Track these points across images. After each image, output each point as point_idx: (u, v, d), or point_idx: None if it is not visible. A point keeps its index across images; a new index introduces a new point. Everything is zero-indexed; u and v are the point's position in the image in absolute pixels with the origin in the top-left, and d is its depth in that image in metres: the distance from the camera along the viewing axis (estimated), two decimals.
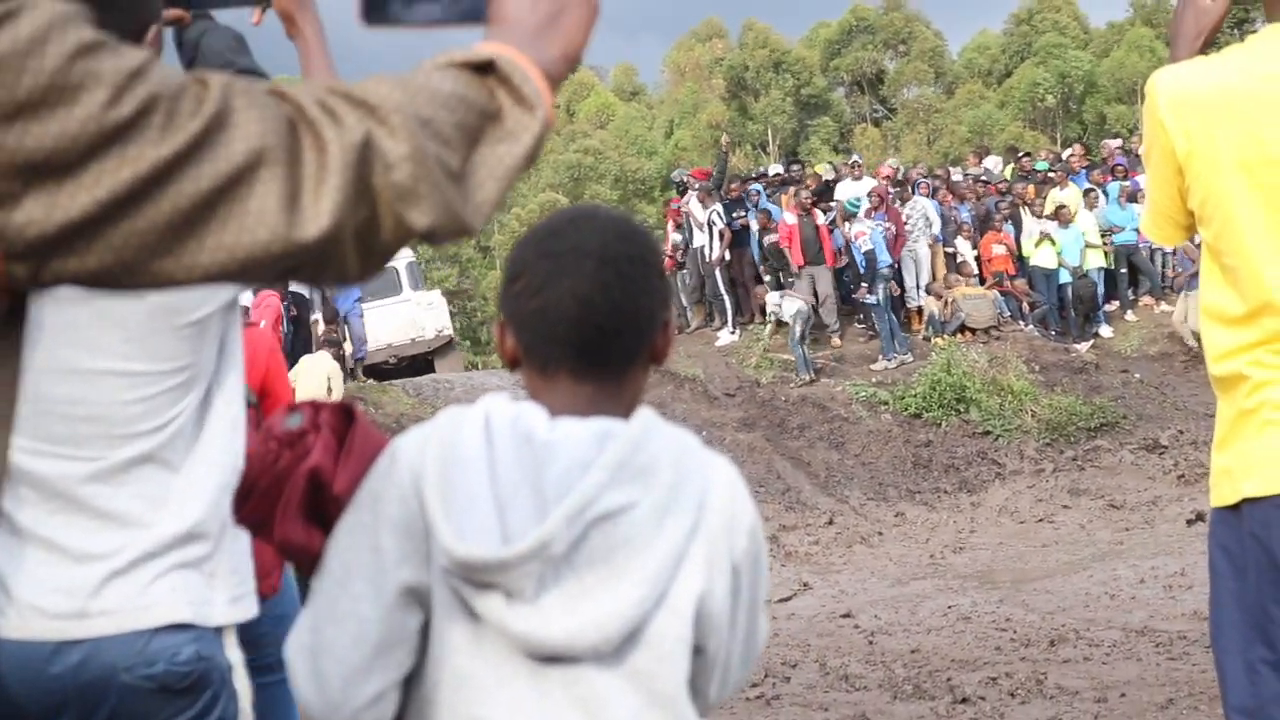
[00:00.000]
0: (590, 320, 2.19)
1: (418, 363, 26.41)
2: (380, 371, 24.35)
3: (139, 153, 1.40)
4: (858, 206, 23.25)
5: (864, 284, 23.07)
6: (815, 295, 22.75)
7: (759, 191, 24.98)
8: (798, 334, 22.01)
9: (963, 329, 23.04)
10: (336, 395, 18.50)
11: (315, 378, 18.01)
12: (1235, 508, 3.13)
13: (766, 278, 23.95)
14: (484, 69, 1.69)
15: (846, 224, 23.33)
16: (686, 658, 2.14)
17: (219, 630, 2.95)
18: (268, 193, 1.46)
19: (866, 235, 22.79)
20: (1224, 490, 3.17)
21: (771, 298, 22.88)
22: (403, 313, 26.59)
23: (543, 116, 1.70)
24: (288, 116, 1.51)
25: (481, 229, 1.69)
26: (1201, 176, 3.12)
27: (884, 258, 22.68)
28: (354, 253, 1.56)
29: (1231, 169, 3.07)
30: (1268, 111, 3.06)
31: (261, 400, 5.12)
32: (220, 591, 2.96)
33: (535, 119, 1.69)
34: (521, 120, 1.69)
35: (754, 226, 23.95)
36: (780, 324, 22.77)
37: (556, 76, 1.79)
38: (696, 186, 24.92)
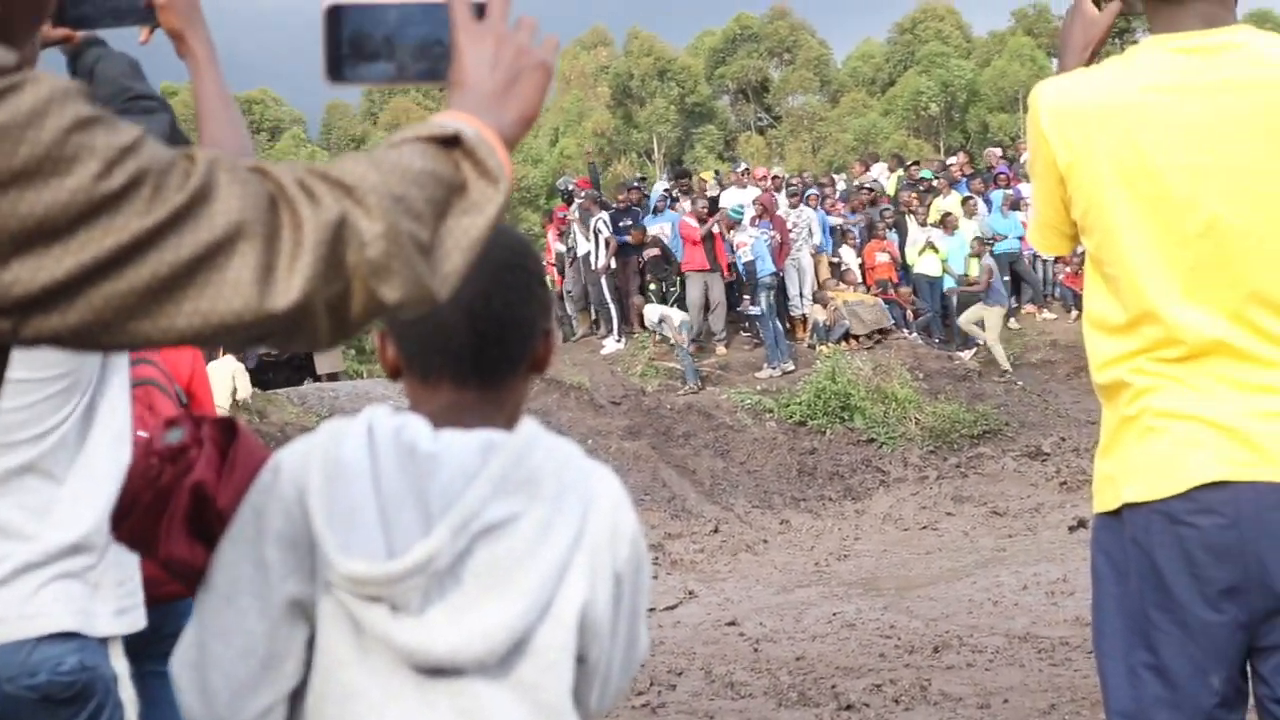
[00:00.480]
0: (471, 328, 2.20)
1: (297, 358, 26.41)
2: (262, 365, 24.27)
3: (125, 222, 1.48)
4: (741, 214, 23.27)
5: (745, 296, 23.16)
6: (707, 302, 22.79)
7: (638, 210, 24.93)
8: (686, 342, 22.06)
9: (847, 337, 23.18)
10: (242, 394, 18.72)
11: (221, 379, 18.17)
12: (1117, 513, 3.16)
13: (653, 286, 23.95)
14: (450, 142, 1.77)
15: (730, 232, 23.37)
16: (571, 667, 2.15)
17: (104, 641, 2.92)
18: (244, 264, 1.54)
19: (748, 245, 22.84)
20: (1106, 496, 3.20)
21: (650, 313, 22.89)
22: None
23: (505, 188, 1.78)
24: (269, 193, 1.59)
25: (446, 299, 1.75)
26: (1083, 187, 3.14)
27: (767, 267, 22.73)
28: (326, 323, 1.63)
29: (1112, 180, 3.10)
30: (1146, 123, 3.08)
31: (190, 402, 5.05)
32: (106, 604, 2.95)
33: (498, 190, 1.77)
34: (485, 192, 1.77)
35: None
36: (663, 337, 22.78)
37: (514, 140, 1.90)
38: (582, 195, 24.94)
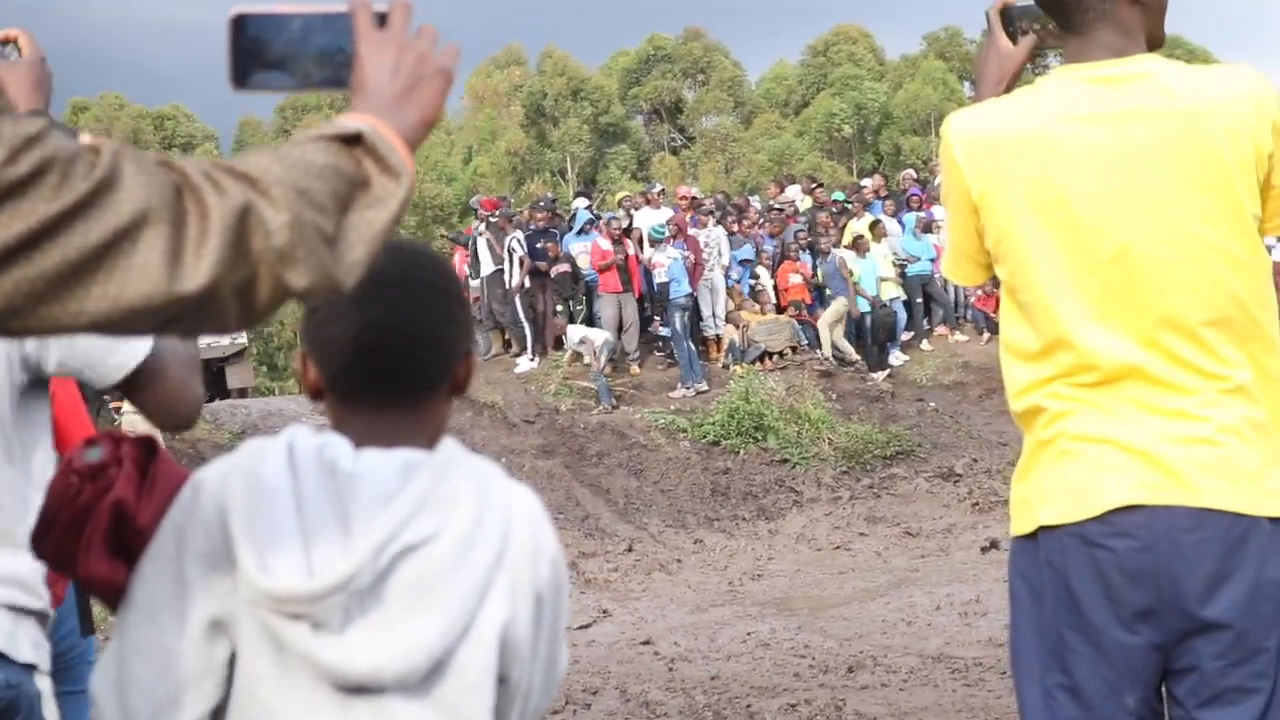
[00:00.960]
0: (390, 347, 2.22)
1: (211, 367, 26.32)
2: None
3: (32, 208, 1.53)
4: (663, 233, 23.28)
5: (657, 317, 23.20)
6: (620, 321, 22.79)
7: (554, 232, 24.88)
8: (601, 364, 22.06)
9: (763, 357, 23.25)
10: None
11: None
12: (1033, 536, 3.18)
13: (559, 308, 23.94)
14: (352, 140, 1.85)
15: (650, 250, 23.39)
16: (492, 688, 2.17)
17: (27, 665, 2.89)
18: (152, 249, 1.59)
19: (665, 266, 22.86)
20: (1022, 519, 3.22)
21: (572, 333, 22.86)
22: None
23: (407, 183, 1.85)
24: (174, 182, 1.64)
25: (351, 288, 1.82)
26: (996, 216, 3.18)
27: (682, 288, 22.75)
28: (234, 308, 1.69)
29: (1024, 208, 3.13)
30: (1056, 152, 3.12)
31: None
32: (29, 633, 2.91)
33: (400, 185, 1.85)
34: (388, 187, 1.84)
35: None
36: (579, 355, 22.76)
37: (415, 141, 1.96)
38: (486, 216, 24.97)
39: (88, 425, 4.51)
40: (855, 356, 23.35)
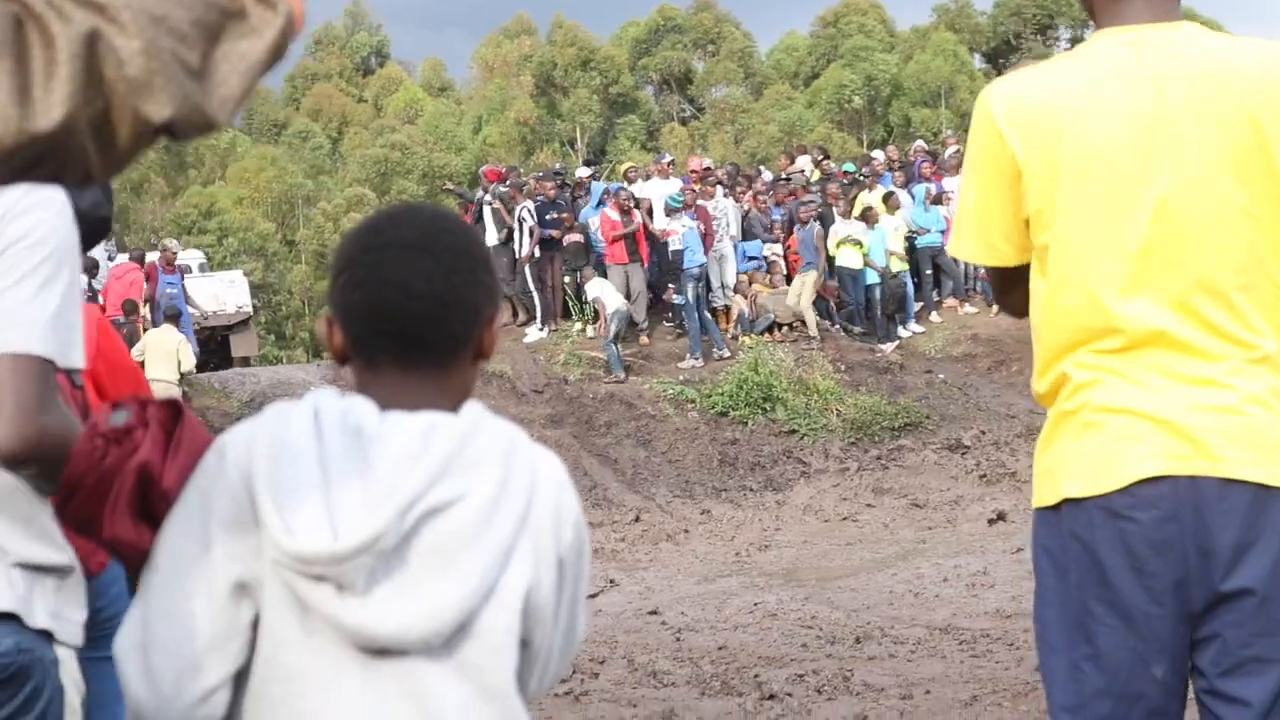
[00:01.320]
0: (414, 310, 2.21)
1: (216, 336, 26.53)
2: None
3: None
4: (680, 202, 23.22)
5: (671, 285, 23.16)
6: (628, 292, 22.76)
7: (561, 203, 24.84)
8: (613, 332, 22.02)
9: (772, 328, 23.23)
10: (186, 367, 18.64)
11: (165, 353, 18.10)
12: (1056, 508, 3.16)
13: (565, 278, 23.89)
14: None
15: (667, 219, 23.38)
16: (515, 651, 2.17)
17: (42, 632, 2.87)
18: None
19: (678, 234, 22.82)
20: (1045, 491, 3.20)
21: (592, 287, 22.78)
22: (205, 287, 27.59)
23: (286, 12, 1.75)
24: (13, 14, 1.55)
25: (228, 123, 1.75)
26: (1040, 181, 3.15)
27: (696, 258, 22.70)
28: (93, 147, 1.60)
29: (1068, 170, 3.12)
30: (1099, 112, 3.12)
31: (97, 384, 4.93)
32: (44, 601, 2.89)
33: (278, 15, 1.74)
34: (264, 17, 1.73)
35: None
36: (597, 315, 22.70)
37: None
38: (488, 187, 25.00)
39: (139, 381, 4.50)
40: (815, 332, 23.23)
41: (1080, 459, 3.11)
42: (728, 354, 22.54)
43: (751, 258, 24.82)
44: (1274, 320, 3.10)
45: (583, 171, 27.64)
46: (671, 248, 22.95)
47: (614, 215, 23.08)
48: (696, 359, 22.44)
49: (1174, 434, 3.02)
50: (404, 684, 2.10)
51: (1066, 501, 3.12)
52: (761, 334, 23.03)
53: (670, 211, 23.27)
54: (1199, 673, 3.11)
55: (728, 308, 23.98)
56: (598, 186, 25.85)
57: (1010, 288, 3.39)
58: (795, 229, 24.24)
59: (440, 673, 2.11)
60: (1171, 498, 3.00)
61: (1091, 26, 3.32)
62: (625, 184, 25.12)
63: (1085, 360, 3.12)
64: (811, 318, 23.13)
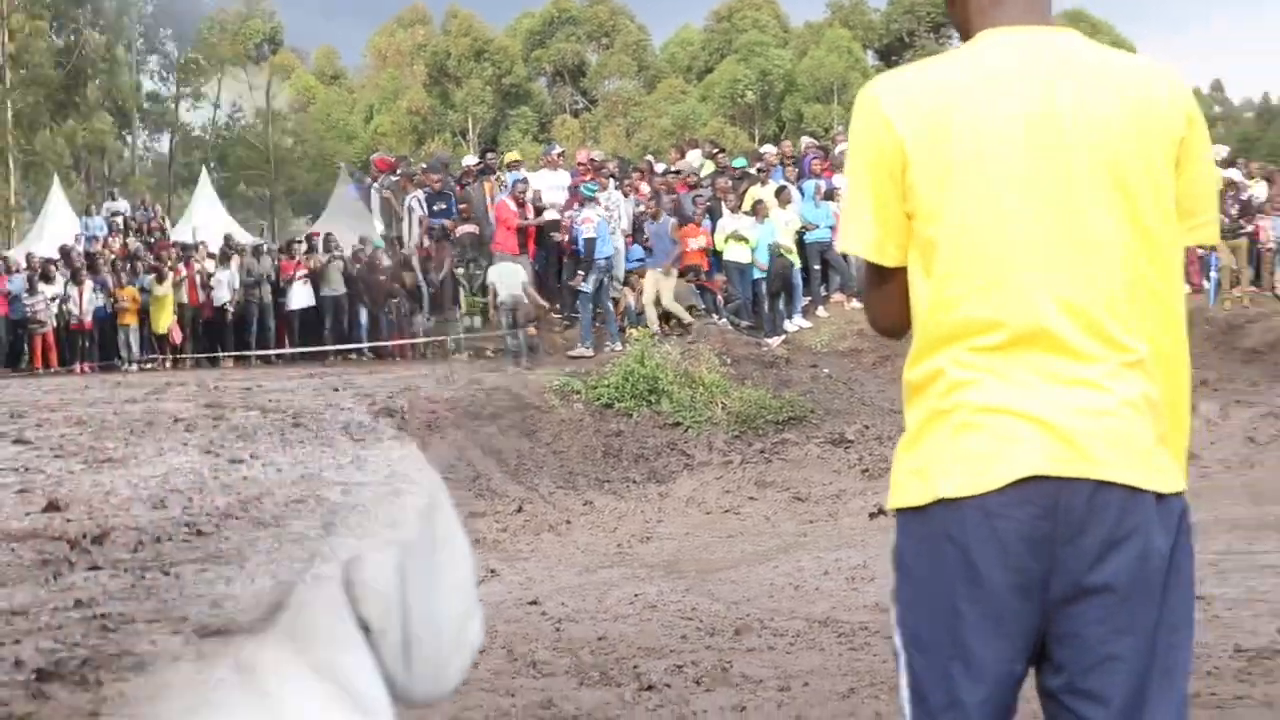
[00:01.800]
0: None
1: None
2: None
3: None
4: (594, 191, 23.30)
5: (580, 272, 23.15)
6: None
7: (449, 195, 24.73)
8: (502, 322, 21.99)
9: (666, 318, 23.32)
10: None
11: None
12: (923, 509, 3.12)
13: (460, 269, 23.81)
14: None
15: (579, 208, 23.45)
16: None
17: None
18: None
19: (594, 223, 22.85)
20: (914, 491, 3.16)
21: (493, 271, 22.72)
22: None
23: None
24: None
25: None
26: (927, 171, 3.14)
27: (605, 249, 22.87)
28: None
29: (957, 161, 3.12)
30: (987, 104, 3.13)
31: None
32: None
33: None
34: None
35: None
36: (496, 297, 22.64)
37: None
38: (382, 176, 24.87)
39: None
40: (689, 319, 23.36)
41: (957, 459, 3.08)
42: (619, 346, 22.51)
43: (639, 260, 24.85)
44: (1148, 326, 3.14)
45: (469, 160, 27.50)
46: (583, 236, 22.93)
47: (512, 205, 23.06)
48: (587, 348, 22.42)
49: (1055, 436, 3.03)
50: None
51: (940, 502, 3.09)
52: (648, 327, 23.04)
53: (584, 201, 23.28)
54: (1056, 669, 3.11)
55: (616, 300, 23.95)
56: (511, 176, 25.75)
57: (877, 285, 3.35)
58: (646, 224, 24.30)
59: None
60: (1048, 495, 3.01)
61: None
62: (508, 172, 25.13)
63: (963, 359, 3.10)
64: (679, 309, 23.22)
